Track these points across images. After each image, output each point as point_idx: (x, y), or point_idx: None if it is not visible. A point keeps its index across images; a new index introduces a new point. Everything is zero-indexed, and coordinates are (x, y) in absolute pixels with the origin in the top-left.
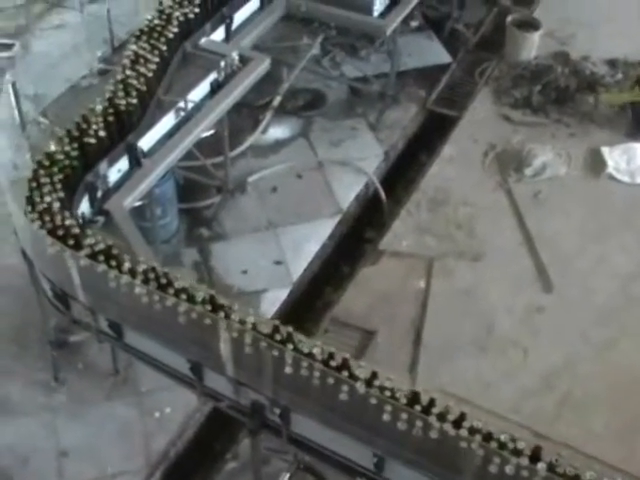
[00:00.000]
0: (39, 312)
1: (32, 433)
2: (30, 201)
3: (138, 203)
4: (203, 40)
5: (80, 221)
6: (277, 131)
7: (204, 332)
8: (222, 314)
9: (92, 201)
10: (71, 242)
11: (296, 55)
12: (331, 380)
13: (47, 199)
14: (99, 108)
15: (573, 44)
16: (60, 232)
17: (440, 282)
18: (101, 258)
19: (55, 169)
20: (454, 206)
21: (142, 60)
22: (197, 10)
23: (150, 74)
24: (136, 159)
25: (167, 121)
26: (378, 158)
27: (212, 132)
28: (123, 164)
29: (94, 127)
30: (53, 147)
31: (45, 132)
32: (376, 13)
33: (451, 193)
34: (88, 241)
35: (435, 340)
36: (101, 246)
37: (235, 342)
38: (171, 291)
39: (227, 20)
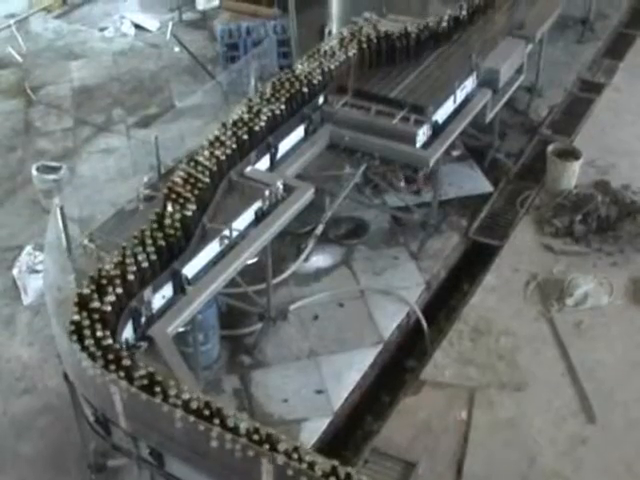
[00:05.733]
0: (78, 435)
1: None
2: (74, 325)
3: (181, 329)
4: (248, 169)
5: (123, 347)
6: (319, 259)
7: (247, 464)
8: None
9: (135, 327)
10: (114, 368)
11: (338, 184)
12: None
13: (91, 324)
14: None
15: (613, 173)
16: (104, 358)
17: (482, 413)
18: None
19: (100, 293)
20: (496, 336)
21: (218, 144)
22: (283, 106)
23: (223, 157)
24: (180, 286)
25: (211, 249)
26: (420, 287)
27: (255, 260)
28: (167, 291)
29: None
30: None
31: (91, 256)
32: (419, 144)
33: (493, 323)
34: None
35: (477, 471)
36: (146, 374)
37: (279, 475)
38: (215, 421)
39: (272, 149)
